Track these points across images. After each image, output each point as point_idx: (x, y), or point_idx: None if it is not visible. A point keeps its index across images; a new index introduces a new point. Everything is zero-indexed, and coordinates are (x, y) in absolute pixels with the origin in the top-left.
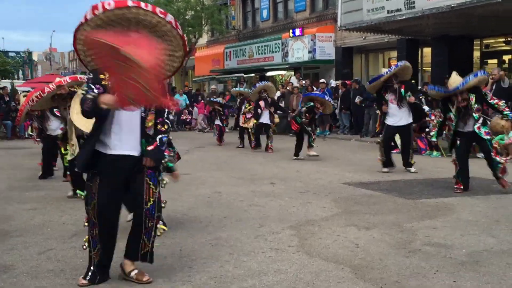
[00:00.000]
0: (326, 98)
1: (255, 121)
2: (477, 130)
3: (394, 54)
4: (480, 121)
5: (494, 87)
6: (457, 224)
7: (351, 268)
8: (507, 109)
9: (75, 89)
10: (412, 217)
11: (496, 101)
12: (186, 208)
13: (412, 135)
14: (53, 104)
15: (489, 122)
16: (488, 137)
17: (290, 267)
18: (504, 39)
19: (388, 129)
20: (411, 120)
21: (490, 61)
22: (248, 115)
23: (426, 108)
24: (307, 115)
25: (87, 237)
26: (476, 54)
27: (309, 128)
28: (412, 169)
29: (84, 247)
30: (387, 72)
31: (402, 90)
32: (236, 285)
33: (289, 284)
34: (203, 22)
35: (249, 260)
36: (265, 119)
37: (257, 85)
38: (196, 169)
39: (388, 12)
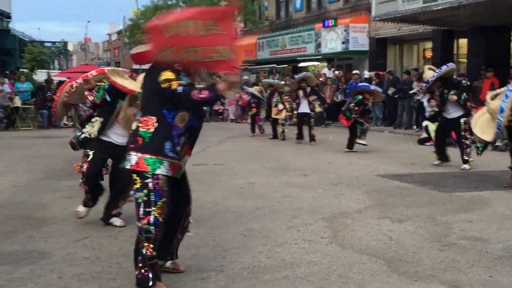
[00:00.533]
0: (374, 88)
1: (290, 112)
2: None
3: (429, 45)
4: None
5: None
6: (493, 217)
7: (384, 261)
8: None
9: (103, 83)
10: (446, 210)
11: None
12: (219, 198)
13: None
14: None
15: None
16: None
17: (323, 258)
18: None
19: (440, 122)
20: (461, 113)
21: None
22: (280, 107)
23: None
24: (356, 108)
25: None
26: None
27: (362, 120)
28: (464, 166)
29: None
30: (432, 77)
31: (445, 93)
32: (269, 275)
33: (322, 276)
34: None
35: (282, 251)
36: (304, 108)
37: (297, 76)
38: (229, 160)
39: (424, 2)
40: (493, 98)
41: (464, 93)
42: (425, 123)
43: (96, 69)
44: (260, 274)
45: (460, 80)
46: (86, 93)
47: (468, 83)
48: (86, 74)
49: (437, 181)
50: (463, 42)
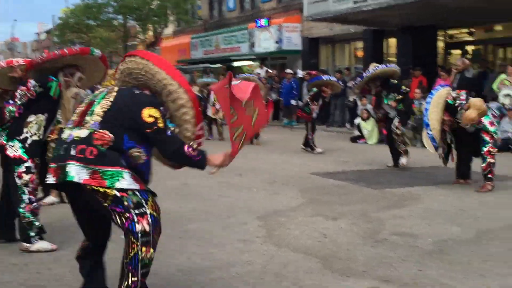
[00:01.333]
0: (331, 79)
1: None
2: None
3: (360, 44)
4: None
5: (457, 77)
6: (423, 213)
7: (319, 259)
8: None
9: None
10: (379, 207)
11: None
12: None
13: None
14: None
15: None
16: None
17: (258, 258)
18: (467, 30)
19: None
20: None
21: (453, 51)
22: (218, 106)
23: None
24: (314, 102)
25: None
26: (440, 44)
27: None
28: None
29: None
30: (367, 73)
31: (382, 95)
32: (203, 276)
33: (257, 275)
34: (169, 12)
35: (217, 252)
36: None
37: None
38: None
39: (354, 2)
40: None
41: (400, 96)
42: (357, 121)
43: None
44: (194, 275)
45: (401, 85)
46: (20, 89)
47: (408, 89)
48: (10, 60)
49: (370, 178)
50: (393, 41)
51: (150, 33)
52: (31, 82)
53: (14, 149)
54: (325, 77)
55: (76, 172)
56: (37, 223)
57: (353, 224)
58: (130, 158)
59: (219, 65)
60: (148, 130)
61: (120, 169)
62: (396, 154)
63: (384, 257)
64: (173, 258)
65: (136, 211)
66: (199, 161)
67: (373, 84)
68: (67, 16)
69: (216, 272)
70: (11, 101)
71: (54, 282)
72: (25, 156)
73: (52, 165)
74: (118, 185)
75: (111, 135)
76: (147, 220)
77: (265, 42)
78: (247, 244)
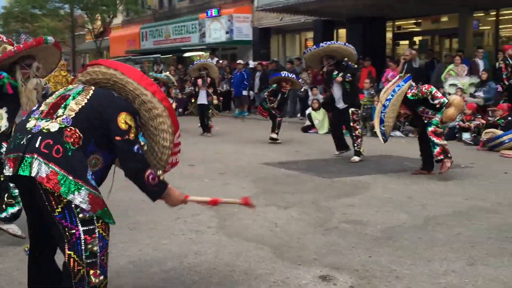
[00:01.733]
0: (291, 76)
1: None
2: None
3: (310, 35)
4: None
5: (405, 67)
6: (372, 201)
7: (270, 248)
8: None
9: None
10: (329, 196)
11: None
12: (103, 193)
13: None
14: None
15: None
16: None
17: (210, 248)
18: (415, 21)
19: (333, 112)
20: (349, 103)
21: (401, 42)
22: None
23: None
24: (271, 98)
25: None
26: (389, 35)
27: (274, 112)
28: (354, 158)
29: None
30: (322, 46)
31: (335, 73)
32: (155, 268)
33: (209, 265)
34: (118, 2)
35: (169, 243)
36: (202, 99)
37: (197, 62)
38: None
39: None
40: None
41: (349, 75)
42: (308, 111)
43: None
44: (146, 267)
45: (355, 68)
46: None
47: (356, 66)
48: None
49: (321, 168)
50: (342, 32)
51: (98, 23)
52: None
53: None
54: (284, 74)
55: (35, 167)
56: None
57: (304, 213)
58: (89, 167)
59: (169, 55)
60: (118, 138)
61: (80, 182)
62: (341, 141)
63: (334, 244)
64: (124, 250)
65: (84, 228)
66: (153, 192)
67: (326, 62)
68: (11, 5)
69: (168, 263)
70: None
71: (1, 278)
72: None
73: (11, 155)
74: (71, 196)
75: (81, 135)
76: (95, 240)
77: (216, 32)
78: (199, 235)
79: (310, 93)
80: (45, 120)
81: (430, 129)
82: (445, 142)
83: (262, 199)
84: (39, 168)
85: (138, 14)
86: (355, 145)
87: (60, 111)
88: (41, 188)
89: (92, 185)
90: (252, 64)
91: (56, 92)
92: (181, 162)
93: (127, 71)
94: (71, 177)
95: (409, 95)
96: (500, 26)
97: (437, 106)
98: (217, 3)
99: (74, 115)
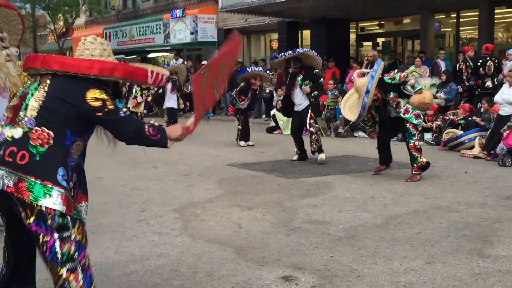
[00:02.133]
0: (258, 69)
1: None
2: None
3: (275, 36)
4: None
5: (368, 68)
6: (335, 201)
7: (233, 249)
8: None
9: None
10: (293, 196)
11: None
12: None
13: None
14: None
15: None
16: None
17: (173, 250)
18: (378, 22)
19: (293, 118)
20: (308, 103)
21: (365, 43)
22: (139, 99)
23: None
24: (241, 97)
25: None
26: (352, 36)
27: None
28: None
29: None
30: (282, 55)
31: (300, 77)
32: (118, 271)
33: (172, 267)
34: (81, 2)
35: (131, 246)
36: (171, 103)
37: (170, 64)
38: None
39: None
40: (361, 76)
41: (316, 92)
42: (273, 112)
43: None
44: (108, 270)
45: (319, 76)
46: None
47: (323, 82)
48: None
49: (285, 168)
50: (307, 33)
51: (61, 23)
52: None
53: None
54: (250, 69)
55: (1, 179)
56: None
57: (267, 214)
58: (73, 153)
59: (133, 56)
60: (99, 114)
61: (49, 185)
62: (301, 147)
63: (297, 244)
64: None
65: (59, 234)
66: (160, 140)
67: (293, 63)
68: None
69: (130, 266)
70: None
71: None
72: None
73: None
74: (42, 201)
75: (50, 132)
76: (72, 245)
77: (180, 33)
78: (162, 237)
79: (275, 94)
80: (9, 126)
81: (411, 142)
82: (423, 158)
83: (226, 200)
84: (6, 179)
85: (101, 15)
86: (312, 142)
87: (21, 114)
88: (14, 198)
89: (63, 186)
90: None
91: (17, 93)
92: (145, 164)
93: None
94: (39, 181)
95: (386, 78)
96: (461, 28)
97: (410, 87)
98: (181, 3)
99: (36, 114)
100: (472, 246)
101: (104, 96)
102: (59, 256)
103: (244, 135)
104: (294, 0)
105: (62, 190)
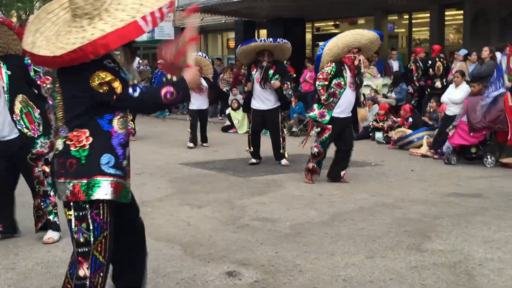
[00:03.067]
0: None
1: None
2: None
3: (232, 35)
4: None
5: None
6: (284, 199)
7: (181, 246)
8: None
9: None
10: (243, 194)
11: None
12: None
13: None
14: None
15: None
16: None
17: None
18: (333, 23)
19: (253, 114)
20: (279, 104)
21: (320, 43)
22: None
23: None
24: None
25: None
26: (308, 36)
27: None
28: (283, 161)
29: None
30: (261, 40)
31: (271, 71)
32: (64, 269)
33: None
34: None
35: None
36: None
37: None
38: None
39: None
40: None
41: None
42: (228, 111)
43: None
44: (54, 268)
45: (291, 74)
46: None
47: (294, 75)
48: None
49: (237, 167)
50: (263, 32)
51: (14, 19)
52: None
53: None
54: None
55: (60, 191)
56: None
57: (217, 211)
58: (118, 130)
59: None
60: (110, 100)
61: (97, 178)
62: (258, 147)
63: (244, 241)
64: (32, 252)
65: (80, 250)
66: (183, 98)
67: (267, 57)
68: None
69: None
70: None
71: None
72: None
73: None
74: (94, 197)
75: (84, 130)
76: (89, 262)
77: None
78: None
79: (230, 93)
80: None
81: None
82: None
83: (176, 199)
84: (65, 189)
85: None
86: (281, 147)
87: (59, 124)
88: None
89: (109, 173)
90: None
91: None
92: None
93: None
94: (86, 180)
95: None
96: (413, 29)
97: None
98: None
99: (64, 121)
100: (411, 241)
101: (108, 77)
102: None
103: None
104: (249, 1)
105: (110, 178)
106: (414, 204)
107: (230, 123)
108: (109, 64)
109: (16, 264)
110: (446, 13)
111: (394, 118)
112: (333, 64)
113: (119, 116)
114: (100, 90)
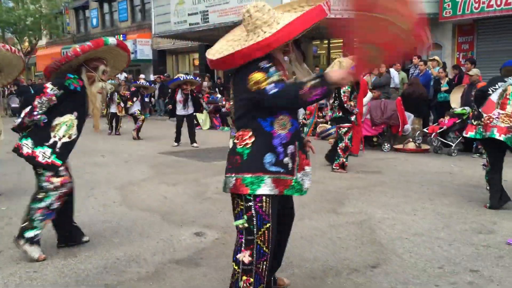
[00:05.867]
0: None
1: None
2: None
3: (196, 55)
4: None
5: None
6: None
7: (160, 215)
8: None
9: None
10: (207, 175)
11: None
12: (14, 179)
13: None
14: None
15: None
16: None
17: (114, 217)
18: None
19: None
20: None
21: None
22: (123, 105)
23: (219, 96)
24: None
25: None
26: None
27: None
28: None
29: None
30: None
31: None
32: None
33: (113, 230)
34: (42, 27)
35: (82, 215)
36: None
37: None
38: None
39: (190, 24)
40: None
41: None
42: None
43: None
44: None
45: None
46: (39, 98)
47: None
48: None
49: (202, 154)
50: None
51: (26, 44)
52: (48, 87)
53: (46, 156)
54: (181, 77)
55: (225, 183)
56: (38, 232)
57: (187, 188)
58: (279, 131)
59: None
60: (257, 98)
61: (261, 175)
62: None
63: (208, 210)
64: None
65: (248, 237)
66: (324, 94)
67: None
68: None
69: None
70: (34, 112)
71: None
72: (58, 162)
73: None
74: (259, 191)
75: (247, 131)
76: (251, 250)
77: None
78: (106, 207)
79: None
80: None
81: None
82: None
83: (156, 179)
84: (229, 182)
85: (59, 37)
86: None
87: (231, 124)
88: (235, 194)
89: (272, 171)
90: (152, 77)
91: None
92: (94, 154)
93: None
94: (250, 175)
95: None
96: (331, 51)
97: None
98: (123, 30)
99: (232, 122)
100: (330, 207)
101: (261, 77)
102: (238, 257)
103: (189, 136)
104: (208, 30)
105: (273, 175)
106: (332, 180)
107: (196, 122)
108: (266, 65)
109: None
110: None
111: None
112: None
113: (280, 118)
114: (252, 89)
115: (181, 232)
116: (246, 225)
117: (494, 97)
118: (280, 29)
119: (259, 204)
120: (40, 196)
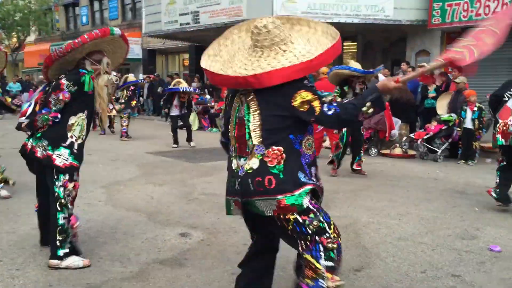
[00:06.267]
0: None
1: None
2: None
3: (186, 56)
4: None
5: None
6: (224, 179)
7: (146, 214)
8: None
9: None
10: (194, 176)
11: None
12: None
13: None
14: None
15: None
16: None
17: (99, 216)
18: None
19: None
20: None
21: None
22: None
23: (208, 97)
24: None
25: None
26: None
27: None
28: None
29: None
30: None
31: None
32: None
33: (97, 229)
34: (31, 23)
35: None
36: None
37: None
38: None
39: (180, 24)
40: None
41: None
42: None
43: None
44: None
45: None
46: (54, 94)
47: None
48: None
49: (190, 155)
50: None
51: (14, 39)
52: (64, 83)
53: (64, 158)
54: (182, 89)
55: (262, 207)
56: (68, 244)
57: (174, 188)
58: (306, 151)
59: None
60: (312, 120)
61: (301, 191)
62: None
63: (194, 210)
64: (29, 219)
65: (317, 237)
66: (377, 109)
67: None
68: None
69: None
70: (44, 110)
71: None
72: (76, 163)
73: (233, 197)
74: (305, 206)
75: (280, 148)
76: (331, 244)
77: None
78: (91, 206)
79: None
80: (243, 159)
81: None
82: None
83: (143, 179)
84: (266, 206)
85: (48, 34)
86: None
87: (250, 144)
88: (277, 219)
89: (309, 183)
90: (141, 76)
91: (231, 117)
92: None
93: None
94: (289, 195)
95: None
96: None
97: None
98: None
99: (261, 139)
100: None
101: (309, 97)
102: (321, 254)
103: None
104: (199, 31)
105: (309, 187)
106: None
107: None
108: (309, 84)
109: (15, 229)
110: (344, 44)
111: None
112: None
113: (307, 137)
114: (302, 109)
115: (166, 232)
116: (315, 224)
117: (510, 103)
118: (324, 53)
119: (313, 200)
120: (61, 208)
